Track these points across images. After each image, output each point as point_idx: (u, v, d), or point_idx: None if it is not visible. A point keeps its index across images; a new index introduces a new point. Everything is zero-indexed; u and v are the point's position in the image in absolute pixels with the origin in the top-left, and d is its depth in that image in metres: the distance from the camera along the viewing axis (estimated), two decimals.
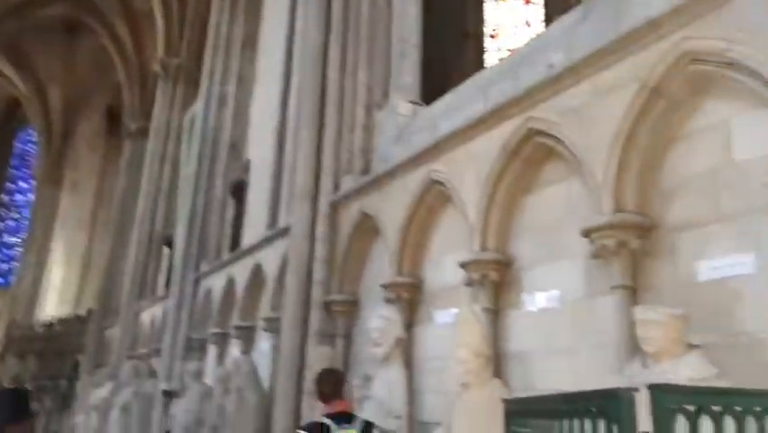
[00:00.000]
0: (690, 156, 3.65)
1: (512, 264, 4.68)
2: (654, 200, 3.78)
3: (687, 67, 3.63)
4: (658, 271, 3.65)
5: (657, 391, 1.45)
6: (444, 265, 5.40)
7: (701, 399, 1.51)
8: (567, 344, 4.11)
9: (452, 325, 5.13)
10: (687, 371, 2.69)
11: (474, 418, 3.62)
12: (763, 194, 3.19)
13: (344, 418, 3.69)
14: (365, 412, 4.54)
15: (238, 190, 10.96)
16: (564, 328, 4.16)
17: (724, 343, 3.10)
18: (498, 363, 4.42)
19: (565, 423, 1.79)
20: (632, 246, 3.68)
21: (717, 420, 1.50)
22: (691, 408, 1.46)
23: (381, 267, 6.15)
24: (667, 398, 1.44)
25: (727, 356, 2.99)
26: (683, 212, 3.60)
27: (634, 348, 3.55)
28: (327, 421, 3.60)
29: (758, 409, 1.57)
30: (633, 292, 3.69)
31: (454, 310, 5.14)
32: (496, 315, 4.62)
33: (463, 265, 4.80)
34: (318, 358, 5.41)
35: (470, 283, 4.76)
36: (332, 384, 3.84)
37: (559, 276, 4.29)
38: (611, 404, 1.51)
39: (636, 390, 1.41)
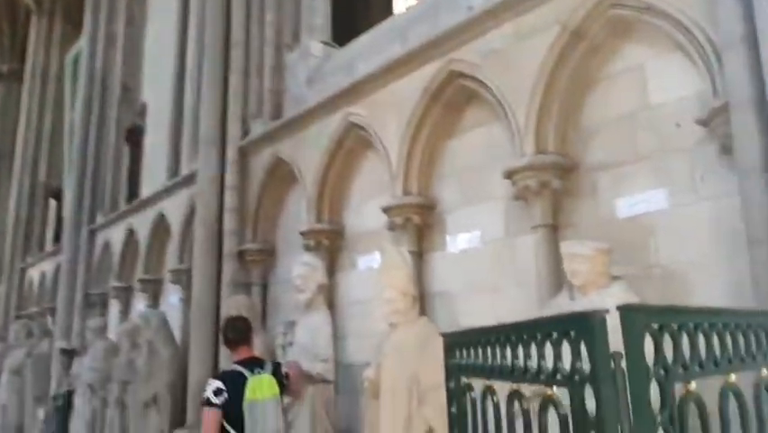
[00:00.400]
0: (608, 98, 3.81)
1: (435, 208, 4.73)
2: (574, 141, 3.93)
3: (606, 11, 3.74)
4: (579, 209, 3.83)
5: (628, 311, 1.50)
6: (366, 210, 5.39)
7: (662, 318, 1.58)
8: (490, 283, 4.26)
9: (374, 269, 5.16)
10: (613, 300, 2.85)
11: (406, 354, 3.68)
12: (676, 134, 3.40)
13: (256, 363, 3.66)
14: (289, 357, 4.52)
15: (133, 136, 10.26)
16: (487, 268, 4.30)
17: (641, 275, 3.31)
18: (422, 303, 4.50)
19: (520, 351, 1.81)
20: (553, 186, 3.82)
21: (675, 337, 1.58)
22: (655, 326, 1.53)
23: (299, 214, 6.04)
24: (637, 317, 1.49)
25: (644, 287, 3.21)
26: (602, 152, 3.77)
27: (555, 284, 3.74)
28: (240, 369, 3.56)
29: (706, 325, 1.68)
30: (554, 231, 3.86)
31: (377, 255, 5.17)
32: (419, 257, 4.68)
33: (386, 210, 4.80)
34: (234, 306, 5.27)
35: (393, 228, 4.78)
36: (238, 331, 3.76)
37: (482, 218, 4.40)
38: (581, 327, 1.53)
39: (607, 311, 1.44)
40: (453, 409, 2.20)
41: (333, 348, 4.64)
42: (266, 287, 6.44)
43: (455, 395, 2.19)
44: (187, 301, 7.12)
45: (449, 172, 4.74)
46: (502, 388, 1.93)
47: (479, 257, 4.37)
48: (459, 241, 4.51)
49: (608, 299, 2.89)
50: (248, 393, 3.43)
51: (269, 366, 3.69)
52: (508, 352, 1.86)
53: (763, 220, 2.63)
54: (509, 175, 3.99)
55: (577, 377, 1.53)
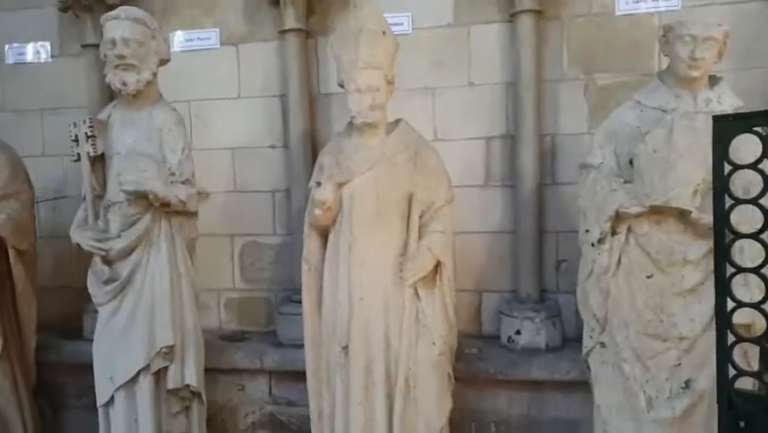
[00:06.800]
0: None
1: None
2: None
3: None
4: (567, 2, 3.11)
5: None
6: None
7: None
8: (427, 79, 3.25)
9: (216, 51, 3.52)
10: (730, 99, 2.37)
11: (396, 168, 2.48)
12: None
13: None
14: (118, 174, 2.67)
15: None
16: (425, 60, 3.26)
17: (641, 81, 2.86)
18: (313, 106, 3.20)
19: None
20: None
21: None
22: None
23: None
24: None
25: None
26: None
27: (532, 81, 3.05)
28: None
29: None
30: (537, 17, 3.07)
31: (214, 32, 3.51)
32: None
33: None
34: None
35: None
36: None
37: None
38: None
39: None
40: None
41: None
42: None
43: None
44: None
45: None
46: None
47: (410, 46, 3.25)
48: None
49: (725, 99, 2.39)
50: None
51: None
52: None
53: None
54: None
55: None
